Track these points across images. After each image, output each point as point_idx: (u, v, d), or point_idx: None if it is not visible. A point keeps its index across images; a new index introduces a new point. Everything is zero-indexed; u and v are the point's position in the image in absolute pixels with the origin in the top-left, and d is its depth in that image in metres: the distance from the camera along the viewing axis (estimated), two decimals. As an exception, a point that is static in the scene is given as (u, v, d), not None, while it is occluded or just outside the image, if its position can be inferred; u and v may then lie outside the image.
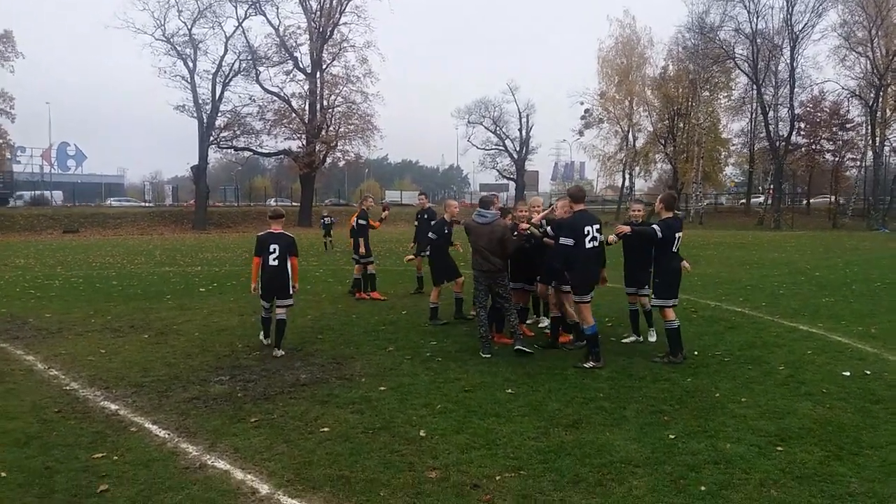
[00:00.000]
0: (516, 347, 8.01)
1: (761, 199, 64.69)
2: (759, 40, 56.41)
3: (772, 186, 60.37)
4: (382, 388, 6.63)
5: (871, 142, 55.88)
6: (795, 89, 57.13)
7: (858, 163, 63.14)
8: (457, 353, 8.18)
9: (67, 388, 6.76)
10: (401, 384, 6.79)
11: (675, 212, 8.13)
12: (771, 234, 43.48)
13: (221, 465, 4.74)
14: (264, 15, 49.33)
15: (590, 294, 7.73)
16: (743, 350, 8.34)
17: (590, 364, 7.47)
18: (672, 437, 5.25)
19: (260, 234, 8.52)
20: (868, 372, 7.16)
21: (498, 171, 69.47)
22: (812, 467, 4.66)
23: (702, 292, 13.36)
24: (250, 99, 49.90)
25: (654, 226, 7.87)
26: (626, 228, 7.90)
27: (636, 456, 4.87)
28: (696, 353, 8.17)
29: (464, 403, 6.14)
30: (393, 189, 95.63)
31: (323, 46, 50.94)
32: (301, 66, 51.32)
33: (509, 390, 6.55)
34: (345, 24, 51.81)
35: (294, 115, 51.46)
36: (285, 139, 52.68)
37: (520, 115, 66.48)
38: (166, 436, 5.34)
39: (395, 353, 8.20)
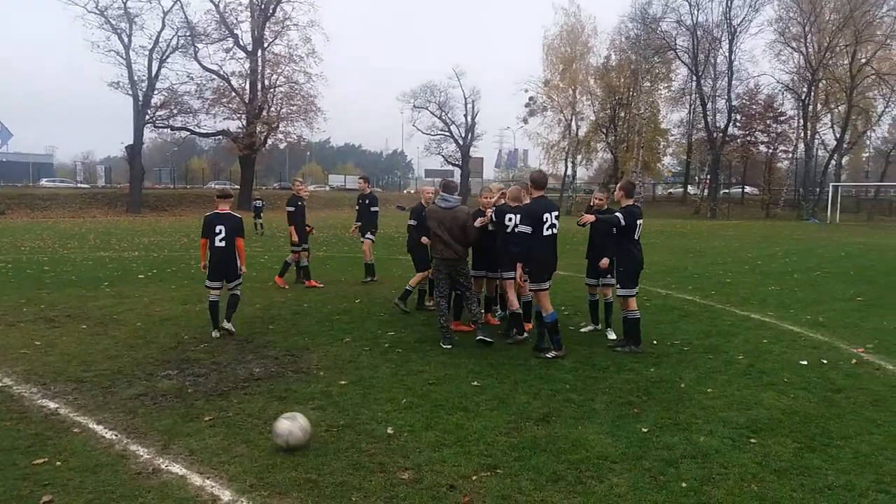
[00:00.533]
0: (478, 338, 7.84)
1: (698, 189, 66.40)
2: (699, 33, 57.64)
3: (709, 176, 61.93)
4: (343, 383, 6.35)
5: (802, 135, 57.80)
6: (733, 82, 58.70)
7: (790, 155, 65.41)
8: (416, 344, 7.95)
9: (0, 385, 6.27)
10: (361, 378, 6.52)
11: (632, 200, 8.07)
12: (708, 223, 44.60)
13: (177, 469, 4.40)
14: (203, -10, 47.62)
15: (548, 282, 7.61)
16: (700, 339, 8.37)
17: (552, 354, 7.37)
18: (645, 430, 5.15)
19: (207, 214, 8.42)
20: (825, 361, 7.26)
21: (443, 156, 69.27)
22: (787, 460, 4.63)
23: (651, 281, 13.44)
24: (188, 77, 48.19)
25: (617, 213, 7.79)
26: (591, 217, 7.82)
27: (612, 451, 4.74)
28: (654, 342, 8.16)
29: (429, 397, 5.92)
30: (336, 173, 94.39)
31: (265, 24, 49.58)
32: (242, 43, 49.90)
33: (475, 382, 6.37)
34: (288, 1, 50.57)
35: (234, 94, 49.91)
36: (224, 119, 51.09)
37: (465, 101, 66.45)
38: (113, 437, 4.94)
39: (353, 345, 7.91)
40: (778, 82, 59.14)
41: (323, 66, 73.65)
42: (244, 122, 50.13)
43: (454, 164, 69.85)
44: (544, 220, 7.41)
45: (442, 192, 8.27)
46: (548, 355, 7.36)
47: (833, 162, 59.83)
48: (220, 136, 54.35)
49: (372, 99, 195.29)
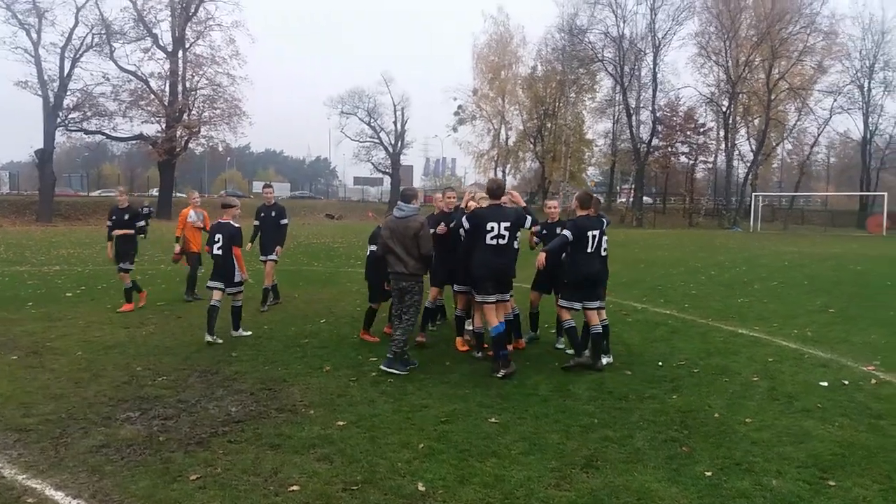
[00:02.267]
0: (381, 366, 7.08)
1: (624, 198, 67.73)
2: (625, 44, 58.82)
3: (633, 186, 63.23)
4: (341, 423, 5.48)
5: (724, 146, 59.77)
6: (657, 94, 60.17)
7: (710, 165, 67.68)
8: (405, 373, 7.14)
9: (-84, 437, 5.10)
10: (361, 416, 5.67)
11: (593, 210, 7.65)
12: (637, 232, 45.31)
13: (174, 555, 3.48)
14: (119, -15, 45.11)
15: (493, 295, 7.11)
16: (703, 358, 7.89)
17: (501, 373, 6.88)
18: (709, 474, 4.53)
19: (214, 223, 8.95)
20: (846, 382, 6.86)
21: (373, 164, 68.03)
22: (881, 508, 4.10)
23: (618, 294, 13.01)
24: (104, 77, 45.16)
25: (564, 231, 7.38)
26: (542, 259, 7.33)
27: (686, 504, 4.10)
28: (660, 363, 7.62)
29: (448, 440, 5.13)
30: (259, 180, 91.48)
31: (186, 24, 47.36)
32: (161, 43, 47.41)
33: (492, 419, 5.62)
34: (211, 0, 48.53)
35: (153, 96, 47.41)
36: (143, 122, 48.32)
37: (394, 108, 65.52)
38: (80, 509, 3.96)
39: (336, 374, 7.02)
40: (701, 94, 60.95)
41: (247, 69, 71.07)
42: (163, 126, 47.65)
43: (384, 172, 68.83)
44: (489, 228, 7.02)
45: (399, 200, 7.46)
46: (498, 375, 6.89)
47: (751, 173, 61.92)
48: (138, 141, 51.58)
49: (293, 104, 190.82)
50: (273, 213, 11.29)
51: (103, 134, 47.73)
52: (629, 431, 5.37)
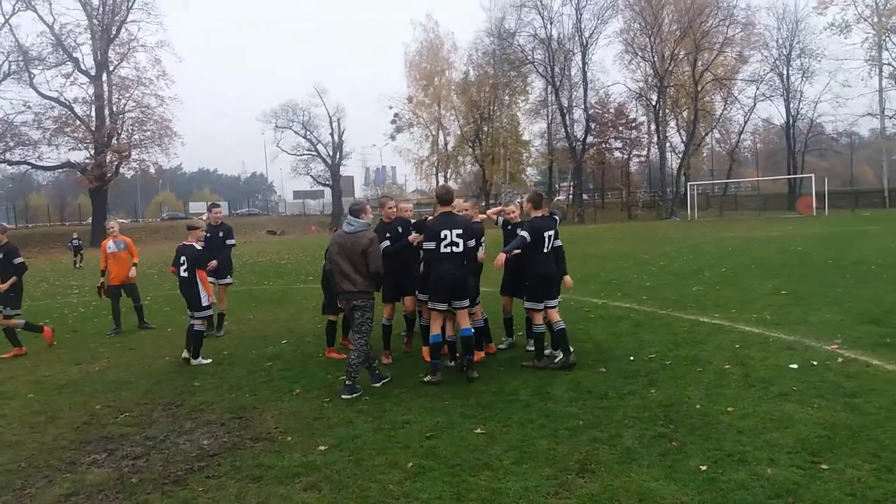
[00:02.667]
0: (342, 396, 6.67)
1: (562, 196, 68.60)
2: (553, 45, 59.65)
3: (573, 183, 64.18)
4: (322, 448, 5.27)
5: (655, 139, 61.25)
6: (588, 92, 61.23)
7: (643, 159, 69.29)
8: (381, 388, 6.95)
9: None
10: (342, 439, 5.47)
11: (549, 210, 7.83)
12: (580, 228, 46.00)
13: None
14: (35, 10, 43.63)
15: (445, 303, 7.11)
16: (672, 350, 7.93)
17: (427, 378, 7.01)
18: (703, 468, 4.50)
19: (179, 245, 8.74)
20: (814, 363, 6.97)
21: (312, 177, 67.27)
22: (875, 486, 4.12)
23: (577, 290, 13.05)
24: (25, 105, 43.80)
25: (521, 232, 7.38)
26: (501, 259, 7.28)
27: (689, 502, 4.05)
28: (631, 357, 7.63)
29: (437, 456, 4.98)
30: (194, 200, 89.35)
31: (108, 46, 46.08)
32: (83, 67, 46.11)
33: (478, 430, 5.49)
34: (133, 21, 47.28)
35: (78, 122, 45.93)
36: (70, 149, 46.92)
37: (330, 120, 64.93)
38: (57, 570, 3.66)
39: (307, 397, 6.78)
40: (630, 90, 62.32)
41: (175, 89, 69.46)
42: (92, 152, 46.17)
43: (324, 185, 68.16)
44: (443, 236, 7.06)
45: (349, 215, 7.14)
46: (425, 379, 7.05)
47: (683, 164, 63.56)
48: (66, 169, 49.79)
49: (223, 121, 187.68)
50: (220, 234, 10.63)
51: (28, 164, 46.01)
52: (616, 430, 5.32)
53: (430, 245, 7.14)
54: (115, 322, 11.26)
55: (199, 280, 8.42)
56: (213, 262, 9.83)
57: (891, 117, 56.02)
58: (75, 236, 31.29)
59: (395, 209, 8.28)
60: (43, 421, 6.38)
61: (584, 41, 60.06)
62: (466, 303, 7.24)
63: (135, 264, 11.54)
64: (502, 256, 7.29)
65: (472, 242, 7.22)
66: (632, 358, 7.61)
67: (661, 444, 4.99)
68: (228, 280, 10.76)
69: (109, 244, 11.42)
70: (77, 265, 29.46)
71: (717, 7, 57.24)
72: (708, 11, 56.60)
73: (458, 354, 7.49)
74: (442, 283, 7.09)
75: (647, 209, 62.85)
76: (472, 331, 7.30)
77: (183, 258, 8.45)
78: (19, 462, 5.30)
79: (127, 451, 5.45)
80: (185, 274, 8.43)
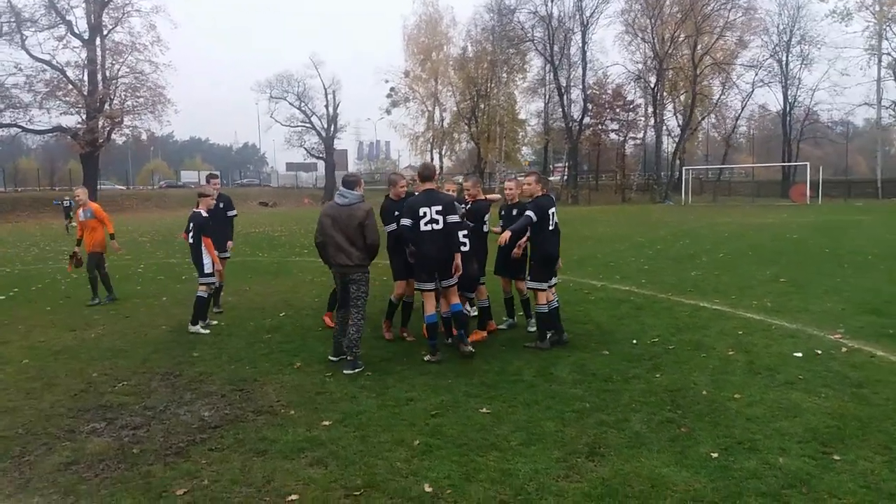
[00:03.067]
0: (345, 371, 6.58)
1: (558, 177, 68.47)
2: (553, 24, 59.13)
3: (568, 164, 64.02)
4: (326, 423, 5.20)
5: (653, 122, 61.06)
6: (587, 72, 60.86)
7: (639, 141, 69.10)
8: (383, 364, 6.87)
9: None
10: (346, 414, 5.39)
11: (545, 189, 7.72)
12: (574, 209, 45.86)
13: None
14: (28, -29, 42.61)
15: (430, 282, 7.05)
16: (675, 334, 7.89)
17: (427, 357, 6.96)
18: (714, 455, 4.46)
19: (203, 213, 8.72)
20: (819, 352, 6.94)
21: (306, 149, 66.70)
22: (889, 478, 4.09)
23: (574, 272, 13.04)
24: (16, 67, 42.86)
25: (527, 212, 7.28)
26: (506, 237, 7.24)
27: (701, 489, 4.00)
28: (634, 341, 7.58)
29: (443, 434, 4.92)
30: (185, 169, 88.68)
31: (102, 10, 45.09)
32: (77, 31, 45.04)
33: (483, 409, 5.43)
34: (129, -15, 46.27)
35: (70, 86, 45.14)
36: (61, 114, 45.99)
37: (325, 92, 64.29)
38: (60, 541, 3.58)
39: (308, 370, 6.70)
40: (629, 71, 61.96)
41: (169, 55, 68.39)
42: (84, 117, 45.45)
43: (318, 157, 67.64)
44: (421, 214, 6.91)
45: (341, 186, 6.99)
46: (426, 358, 6.97)
47: (679, 148, 63.48)
48: (56, 133, 49.09)
49: (217, 89, 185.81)
50: (220, 205, 9.99)
51: (18, 126, 45.33)
52: (624, 414, 5.27)
53: (407, 222, 6.98)
54: (93, 292, 10.81)
55: (203, 247, 8.53)
56: (230, 243, 10.04)
57: (887, 107, 56.04)
58: (66, 198, 30.56)
59: (405, 187, 8.08)
60: (39, 387, 6.27)
61: (585, 20, 59.67)
62: (454, 280, 7.06)
63: (111, 236, 11.09)
64: (507, 234, 7.21)
65: (453, 218, 6.97)
66: (634, 342, 7.57)
67: (670, 430, 4.94)
68: (227, 254, 10.23)
69: (80, 212, 11.01)
70: (69, 230, 28.45)
71: (719, -10, 56.83)
72: (710, -6, 56.19)
73: (454, 332, 7.42)
74: (425, 261, 6.99)
75: (640, 192, 62.85)
76: (461, 306, 7.23)
77: (191, 224, 8.59)
78: (16, 429, 5.20)
79: (126, 421, 5.36)
80: (192, 241, 8.57)
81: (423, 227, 6.90)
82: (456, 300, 7.17)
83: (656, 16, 57.63)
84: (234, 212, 10.52)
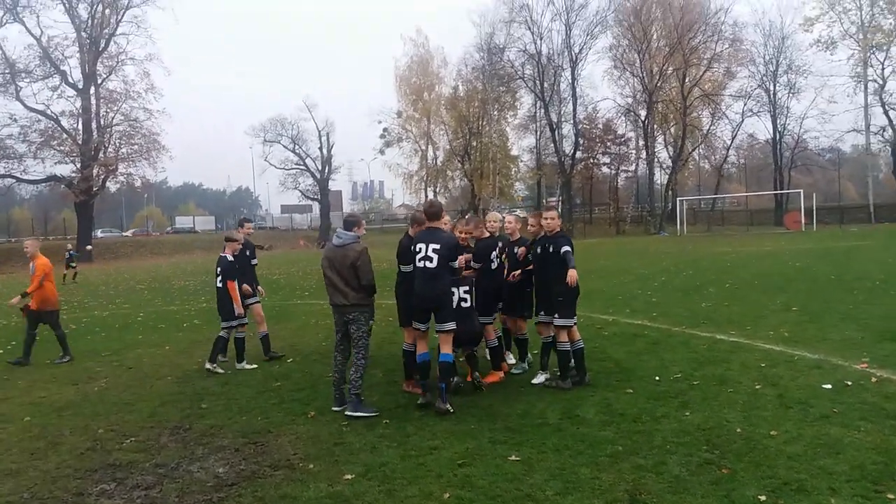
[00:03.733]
0: (346, 412, 6.52)
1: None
2: (542, 61, 59.82)
3: (561, 198, 64.20)
4: (349, 477, 4.95)
5: (644, 155, 61.49)
6: (578, 107, 61.40)
7: (631, 174, 69.52)
8: (400, 410, 6.64)
9: None
10: (368, 467, 5.14)
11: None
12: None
13: None
14: (23, 23, 43.07)
15: (423, 323, 6.94)
16: (697, 369, 7.68)
17: (420, 400, 6.75)
18: (762, 498, 4.24)
19: (228, 258, 8.91)
20: (848, 383, 6.74)
21: (300, 191, 66.89)
22: (952, 520, 3.88)
23: (584, 305, 12.77)
24: (11, 118, 43.12)
25: (567, 248, 7.21)
26: (574, 276, 7.07)
27: (756, 537, 3.78)
28: (657, 378, 7.36)
29: (473, 486, 4.68)
30: (180, 214, 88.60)
31: (97, 59, 45.57)
32: (71, 80, 45.52)
33: (512, 457, 5.19)
34: (122, 34, 46.84)
35: (65, 135, 45.34)
36: (56, 163, 46.22)
37: (319, 134, 64.60)
38: None
39: (323, 420, 6.45)
40: (619, 106, 62.56)
41: (163, 102, 68.50)
42: (78, 166, 45.53)
43: (312, 199, 67.78)
44: (417, 249, 6.77)
45: (339, 227, 7.03)
46: (418, 402, 6.74)
47: (672, 179, 63.82)
48: (51, 182, 49.10)
49: (209, 134, 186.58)
50: (247, 252, 9.54)
51: (13, 177, 45.36)
52: (660, 457, 5.04)
53: (408, 268, 6.95)
54: (24, 351, 10.05)
55: (228, 290, 8.75)
56: (246, 287, 9.28)
57: (875, 133, 56.61)
58: (69, 247, 29.59)
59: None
60: (43, 447, 6.01)
61: (574, 57, 60.31)
62: (451, 326, 6.72)
63: (24, 294, 10.05)
64: (574, 273, 7.07)
65: (451, 261, 6.71)
66: (657, 378, 7.35)
67: (711, 472, 4.71)
68: (258, 299, 9.72)
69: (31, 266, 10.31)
70: (66, 279, 27.12)
71: (705, 23, 57.73)
72: (696, 27, 57.05)
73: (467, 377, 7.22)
74: (416, 300, 6.83)
75: (634, 224, 62.96)
76: (452, 357, 6.82)
77: (218, 269, 8.85)
78: (22, 493, 4.94)
79: (137, 481, 5.10)
80: (220, 285, 8.81)
81: (417, 264, 6.75)
82: (448, 350, 6.77)
83: (644, 50, 58.40)
84: (255, 260, 9.92)
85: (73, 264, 28.05)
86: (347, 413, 6.43)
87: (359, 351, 6.68)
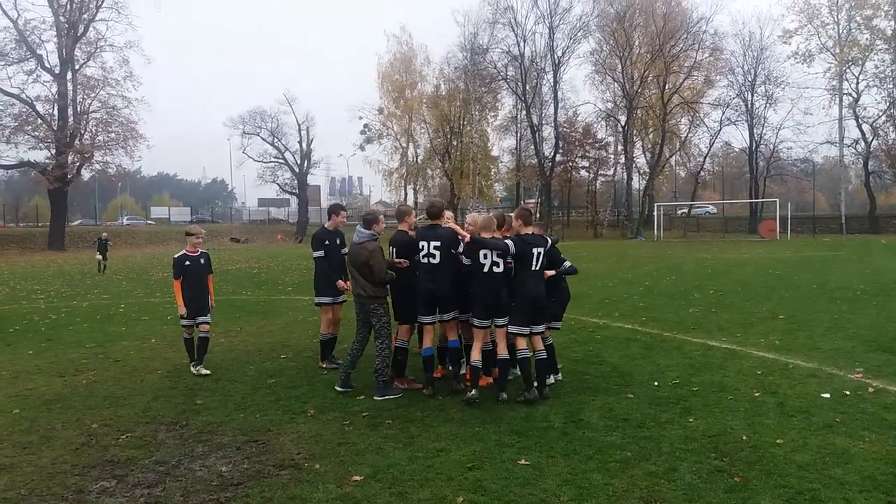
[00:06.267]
0: (375, 397, 6.99)
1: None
2: (525, 63, 59.95)
3: (540, 201, 64.40)
4: (358, 478, 4.86)
5: (623, 160, 61.90)
6: (559, 110, 61.63)
7: (609, 178, 69.96)
8: (400, 411, 6.56)
9: None
10: (376, 468, 5.06)
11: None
12: (551, 244, 45.87)
13: None
14: (-1, 5, 42.06)
15: (430, 316, 7.20)
16: (693, 375, 7.71)
17: (425, 390, 7.10)
18: (779, 509, 4.25)
19: (176, 255, 8.48)
20: (847, 392, 6.80)
21: (279, 185, 66.29)
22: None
23: (573, 309, 12.80)
24: (-17, 101, 42.09)
25: (507, 241, 6.86)
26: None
27: (778, 547, 3.77)
28: (655, 383, 7.36)
29: (486, 490, 4.62)
30: (154, 204, 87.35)
31: (75, 44, 44.65)
32: (48, 65, 44.49)
33: (522, 461, 5.15)
34: (102, 20, 45.94)
35: (40, 120, 44.36)
36: (30, 149, 45.18)
37: (299, 127, 64.08)
38: None
39: (324, 419, 6.35)
40: (601, 110, 62.91)
41: (142, 90, 67.34)
42: (53, 152, 44.60)
43: (290, 193, 67.22)
44: (420, 247, 7.14)
45: (359, 224, 7.37)
46: (424, 391, 7.09)
47: (650, 185, 64.32)
48: (23, 169, 48.09)
49: (185, 124, 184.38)
50: (338, 240, 8.63)
51: (-15, 161, 44.24)
52: (670, 464, 5.03)
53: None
54: None
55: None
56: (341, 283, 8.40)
57: (849, 146, 57.52)
58: (104, 235, 26.79)
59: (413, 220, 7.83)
60: (36, 441, 5.83)
61: (556, 60, 60.48)
62: (453, 314, 7.17)
63: None
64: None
65: (453, 249, 7.09)
66: (656, 383, 7.36)
67: (723, 480, 4.71)
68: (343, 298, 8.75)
69: None
70: (101, 267, 25.32)
71: (686, 32, 58.22)
72: (678, 35, 57.53)
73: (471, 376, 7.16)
74: (420, 296, 7.12)
75: (612, 228, 63.40)
76: (458, 342, 7.30)
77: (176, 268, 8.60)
78: (19, 489, 4.78)
79: (139, 479, 4.97)
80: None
81: (420, 260, 7.10)
82: (454, 336, 7.27)
83: (626, 56, 58.72)
84: (345, 249, 8.49)
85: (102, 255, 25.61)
86: (375, 398, 6.89)
87: (382, 340, 7.10)
